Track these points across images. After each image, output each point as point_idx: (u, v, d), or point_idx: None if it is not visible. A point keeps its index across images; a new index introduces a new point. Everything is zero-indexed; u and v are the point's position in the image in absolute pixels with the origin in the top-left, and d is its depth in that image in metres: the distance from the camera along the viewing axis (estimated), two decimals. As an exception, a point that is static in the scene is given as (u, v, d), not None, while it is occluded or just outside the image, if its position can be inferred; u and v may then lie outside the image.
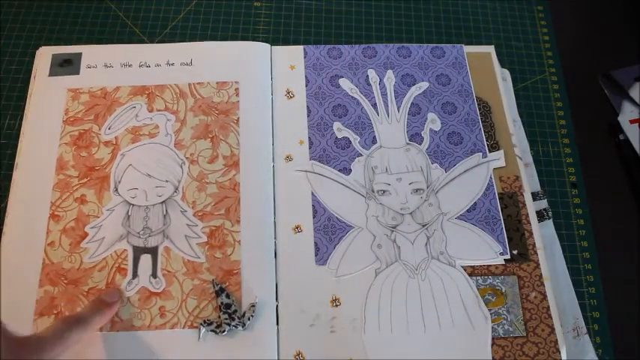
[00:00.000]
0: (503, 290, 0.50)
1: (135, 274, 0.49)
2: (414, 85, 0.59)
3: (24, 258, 0.49)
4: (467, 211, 0.53)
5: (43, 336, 0.40)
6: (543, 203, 0.55)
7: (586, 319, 0.51)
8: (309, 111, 0.57)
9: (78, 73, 0.57)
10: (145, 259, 0.49)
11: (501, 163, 0.55)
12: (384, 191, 0.53)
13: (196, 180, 0.53)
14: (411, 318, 0.48)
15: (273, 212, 0.52)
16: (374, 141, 0.56)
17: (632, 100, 0.61)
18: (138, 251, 0.50)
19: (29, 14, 0.63)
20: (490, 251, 0.51)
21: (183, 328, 0.47)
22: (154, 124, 0.55)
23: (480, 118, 0.57)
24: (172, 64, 0.58)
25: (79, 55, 0.58)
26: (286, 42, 0.62)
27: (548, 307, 0.49)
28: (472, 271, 0.50)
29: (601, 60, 0.64)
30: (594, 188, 0.57)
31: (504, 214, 0.53)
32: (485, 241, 0.52)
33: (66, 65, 0.57)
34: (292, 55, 0.60)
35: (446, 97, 0.58)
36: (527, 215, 0.53)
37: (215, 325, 0.47)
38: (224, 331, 0.47)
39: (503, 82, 0.60)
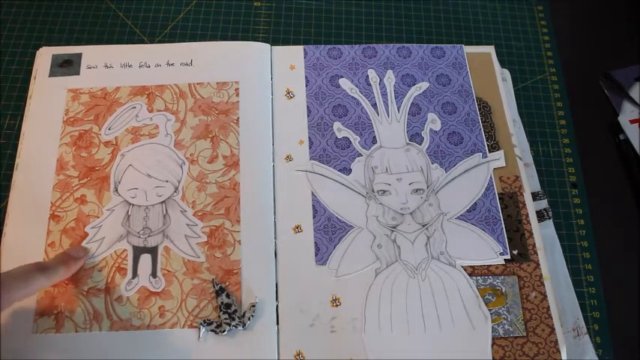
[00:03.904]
0: (504, 290, 0.50)
1: (135, 274, 0.49)
2: (414, 85, 0.59)
3: (24, 258, 0.49)
4: (467, 211, 0.53)
5: (12, 275, 0.42)
6: (543, 203, 0.55)
7: (586, 319, 0.51)
8: (309, 111, 0.57)
9: (78, 74, 0.57)
10: (145, 259, 0.49)
11: (501, 163, 0.55)
12: (384, 191, 0.53)
13: (196, 180, 0.53)
14: (411, 318, 0.48)
15: (273, 212, 0.52)
16: (374, 141, 0.56)
17: (632, 100, 0.61)
18: (138, 251, 0.50)
19: (29, 14, 0.63)
20: (490, 251, 0.51)
21: (183, 327, 0.47)
22: (154, 125, 0.55)
23: (480, 118, 0.57)
24: (172, 64, 0.58)
25: (79, 55, 0.58)
26: (286, 42, 0.62)
27: (548, 307, 0.49)
28: (472, 271, 0.50)
29: (601, 60, 0.64)
30: (594, 188, 0.57)
31: (504, 214, 0.53)
32: (486, 241, 0.52)
33: (66, 66, 0.57)
34: (292, 55, 0.60)
35: (446, 97, 0.58)
36: (527, 215, 0.53)
37: (215, 324, 0.47)
38: (224, 331, 0.47)
39: (503, 82, 0.60)
